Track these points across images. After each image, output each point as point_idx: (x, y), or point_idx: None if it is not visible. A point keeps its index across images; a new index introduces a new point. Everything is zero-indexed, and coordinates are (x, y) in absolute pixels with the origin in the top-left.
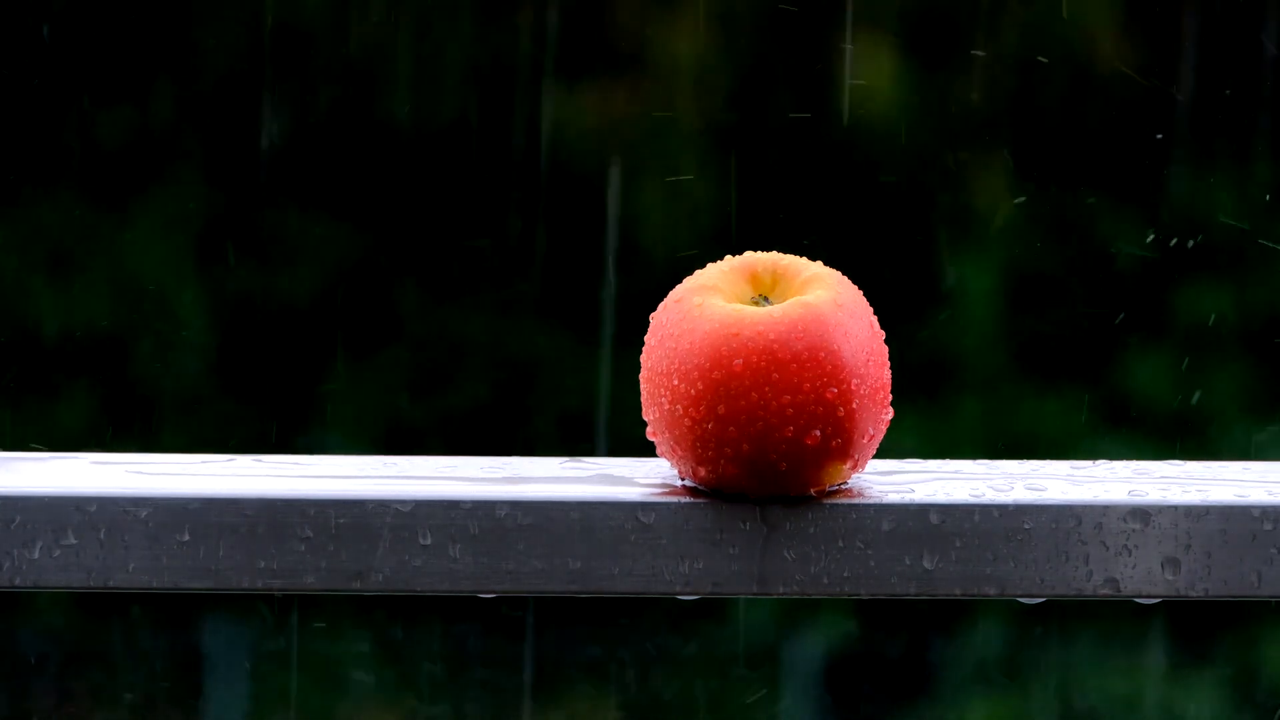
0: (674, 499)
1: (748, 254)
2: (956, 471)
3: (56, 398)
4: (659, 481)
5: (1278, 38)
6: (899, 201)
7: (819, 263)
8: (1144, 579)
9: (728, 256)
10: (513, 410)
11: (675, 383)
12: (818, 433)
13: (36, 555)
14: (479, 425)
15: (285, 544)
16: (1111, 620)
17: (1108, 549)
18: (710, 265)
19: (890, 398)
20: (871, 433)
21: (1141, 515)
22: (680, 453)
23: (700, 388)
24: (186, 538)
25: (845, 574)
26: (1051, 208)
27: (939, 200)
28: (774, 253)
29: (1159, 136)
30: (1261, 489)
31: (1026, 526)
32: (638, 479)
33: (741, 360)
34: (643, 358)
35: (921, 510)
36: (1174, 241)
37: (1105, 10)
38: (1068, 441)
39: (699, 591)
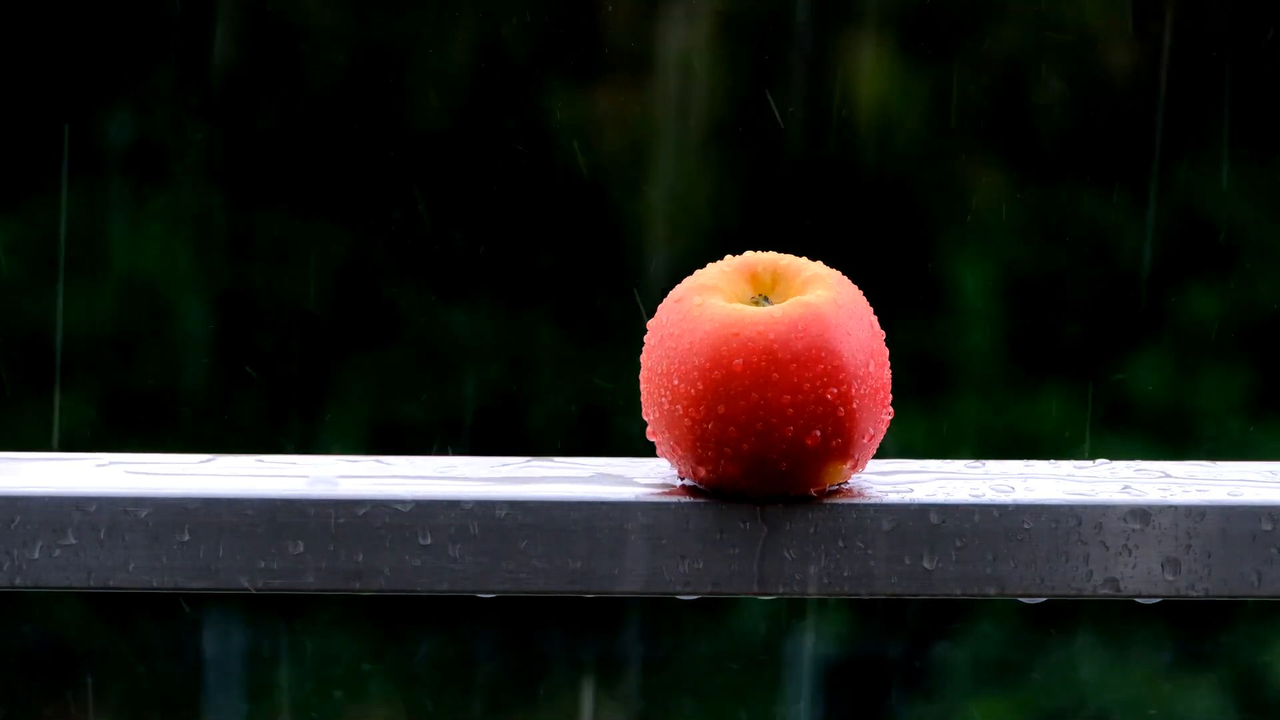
0: (674, 499)
1: (748, 254)
2: (956, 471)
3: (57, 398)
4: (659, 481)
5: (1278, 35)
6: (898, 201)
7: (819, 263)
8: (1144, 579)
9: (728, 256)
10: (512, 410)
11: (675, 383)
12: (818, 433)
13: (36, 555)
14: (479, 425)
15: (285, 544)
16: (1111, 620)
17: (1108, 549)
18: (710, 265)
19: (890, 398)
20: (871, 433)
21: (1141, 515)
22: (680, 453)
23: (700, 388)
24: (186, 538)
25: (845, 574)
26: (1051, 206)
27: (939, 199)
28: (774, 253)
29: (1159, 134)
30: (1261, 489)
31: (1026, 526)
32: (638, 479)
33: (741, 360)
34: (643, 358)
35: (921, 510)
36: (1174, 240)
37: (1105, 7)
38: (1068, 441)
39: (699, 591)
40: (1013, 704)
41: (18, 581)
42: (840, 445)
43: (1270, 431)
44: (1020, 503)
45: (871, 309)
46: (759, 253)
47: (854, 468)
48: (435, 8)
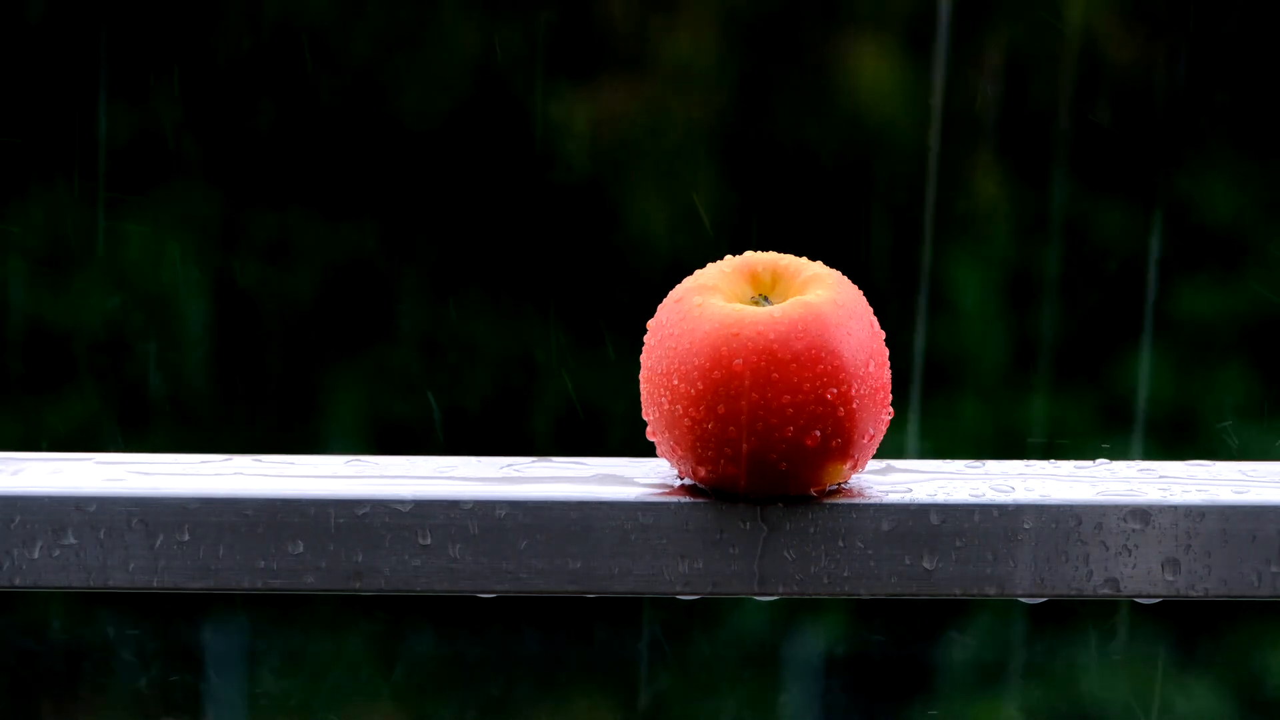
0: (674, 499)
1: (747, 254)
2: (956, 471)
3: (57, 398)
4: (659, 481)
5: (1275, 35)
6: (898, 201)
7: (819, 263)
8: (1144, 579)
9: (728, 256)
10: (513, 410)
11: (675, 383)
12: (818, 433)
13: (36, 555)
14: (478, 425)
15: (285, 544)
16: (1111, 620)
17: (1108, 549)
18: (710, 265)
19: (890, 398)
20: (871, 433)
21: (1141, 515)
22: (680, 453)
23: (700, 388)
24: (186, 538)
25: (845, 574)
26: (1051, 207)
27: (939, 200)
28: (774, 253)
29: (1159, 134)
30: (1261, 489)
31: (1026, 526)
32: (638, 479)
33: (741, 360)
34: (643, 358)
35: (921, 510)
36: (1174, 240)
37: (1105, 7)
38: (1068, 441)
39: (699, 591)
40: (1012, 704)
41: (18, 581)
42: (840, 445)
43: (1271, 432)
44: (1020, 503)
45: (871, 309)
46: (759, 253)
47: (854, 468)
48: (438, 5)
